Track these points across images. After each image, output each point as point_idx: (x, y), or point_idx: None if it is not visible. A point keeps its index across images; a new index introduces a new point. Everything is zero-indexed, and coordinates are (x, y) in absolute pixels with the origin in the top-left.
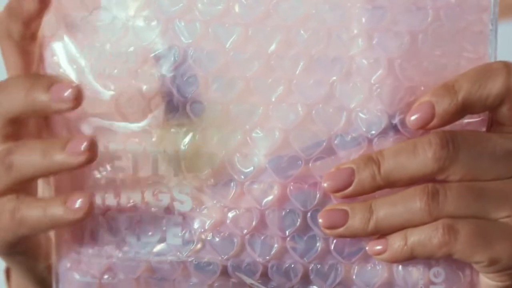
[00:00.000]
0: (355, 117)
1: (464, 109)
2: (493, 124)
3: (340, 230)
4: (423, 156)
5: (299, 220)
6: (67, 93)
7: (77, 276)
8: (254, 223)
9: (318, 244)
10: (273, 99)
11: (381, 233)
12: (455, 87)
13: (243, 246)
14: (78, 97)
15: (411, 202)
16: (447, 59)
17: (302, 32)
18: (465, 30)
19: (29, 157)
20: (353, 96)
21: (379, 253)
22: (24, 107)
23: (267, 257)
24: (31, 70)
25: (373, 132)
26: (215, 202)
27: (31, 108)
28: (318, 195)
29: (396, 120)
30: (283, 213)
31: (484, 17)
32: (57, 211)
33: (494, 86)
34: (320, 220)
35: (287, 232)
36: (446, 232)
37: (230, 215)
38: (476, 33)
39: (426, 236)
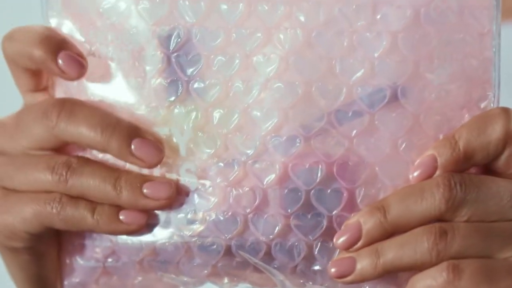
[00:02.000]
0: (356, 93)
1: (467, 157)
2: (489, 173)
3: (350, 277)
4: (431, 199)
5: (302, 198)
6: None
7: (80, 261)
8: (256, 202)
9: (323, 222)
10: (271, 75)
11: (391, 273)
12: (455, 137)
13: (246, 225)
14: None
15: (419, 243)
16: (451, 34)
17: (304, 5)
18: (469, 5)
19: (96, 187)
20: (355, 71)
21: None
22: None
23: (271, 236)
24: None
25: (375, 107)
26: (218, 181)
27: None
28: (319, 173)
29: (398, 95)
30: (285, 191)
31: None
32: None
33: (494, 132)
34: (332, 270)
35: (289, 210)
36: (451, 271)
37: (233, 194)
38: (480, 8)
39: (433, 280)
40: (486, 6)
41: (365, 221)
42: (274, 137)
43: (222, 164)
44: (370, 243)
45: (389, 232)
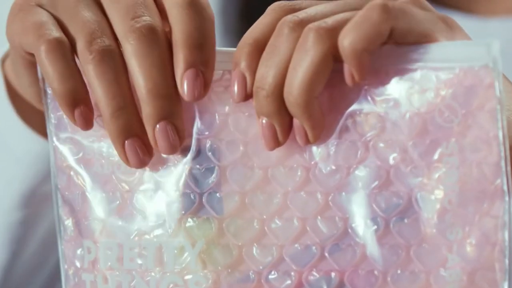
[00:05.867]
0: (373, 200)
1: None
2: None
3: None
4: None
5: None
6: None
7: None
8: None
9: None
10: (290, 188)
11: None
12: None
13: None
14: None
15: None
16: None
17: None
18: (471, 111)
19: None
20: (370, 180)
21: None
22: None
23: None
24: None
25: (391, 213)
26: None
27: None
28: (333, 281)
29: (413, 201)
30: None
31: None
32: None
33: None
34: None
35: None
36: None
37: None
38: (483, 112)
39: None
40: (488, 110)
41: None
42: (291, 247)
43: (236, 276)
44: None
45: None
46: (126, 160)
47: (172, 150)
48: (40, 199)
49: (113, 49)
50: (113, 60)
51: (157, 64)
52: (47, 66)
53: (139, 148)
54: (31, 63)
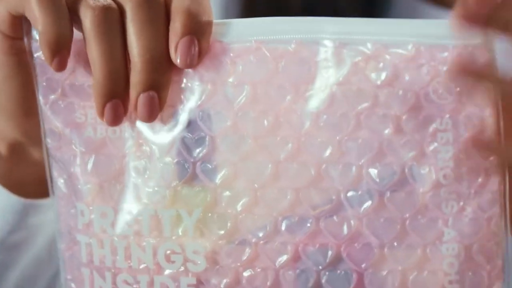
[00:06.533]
0: (366, 172)
1: None
2: None
3: None
4: None
5: (312, 279)
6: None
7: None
8: (269, 283)
9: None
10: (282, 158)
11: None
12: None
13: None
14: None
15: None
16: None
17: (310, 90)
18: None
19: None
20: (363, 152)
21: None
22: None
23: None
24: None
25: (385, 186)
26: (230, 261)
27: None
28: (329, 254)
29: (408, 174)
30: (297, 271)
31: None
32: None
33: None
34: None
35: None
36: None
37: (245, 274)
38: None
39: None
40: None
41: None
42: (286, 217)
43: (233, 245)
44: None
45: None
46: (102, 117)
47: (150, 119)
48: (10, 248)
49: (115, 9)
50: (114, 20)
51: (156, 33)
52: (37, 10)
53: (118, 109)
54: (13, 46)
